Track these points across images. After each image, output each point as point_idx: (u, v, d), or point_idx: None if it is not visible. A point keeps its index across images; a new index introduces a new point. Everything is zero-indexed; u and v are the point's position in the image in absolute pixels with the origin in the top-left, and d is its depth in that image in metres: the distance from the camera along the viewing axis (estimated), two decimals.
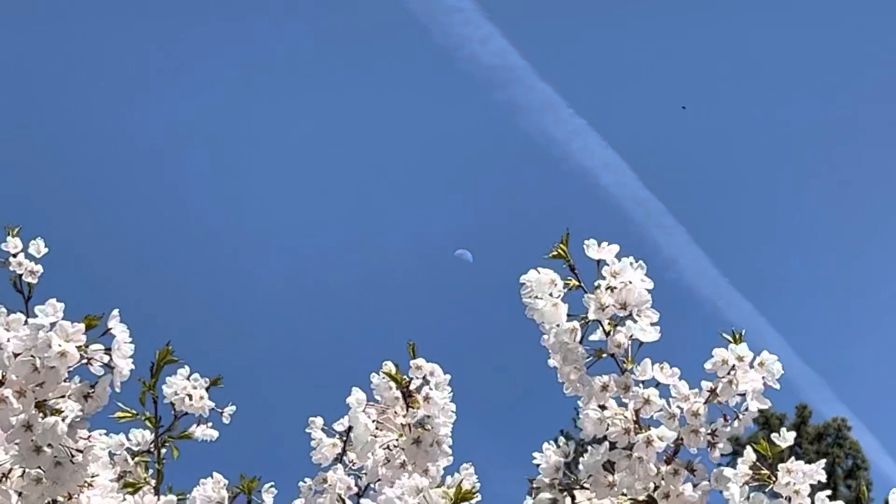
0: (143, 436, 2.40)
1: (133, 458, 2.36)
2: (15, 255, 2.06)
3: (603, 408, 1.94)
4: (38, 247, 2.13)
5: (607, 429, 1.93)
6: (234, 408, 2.59)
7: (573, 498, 1.98)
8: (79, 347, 1.65)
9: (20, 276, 2.10)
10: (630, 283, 1.91)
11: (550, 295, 1.93)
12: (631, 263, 1.91)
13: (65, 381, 1.66)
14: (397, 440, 2.12)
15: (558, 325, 1.93)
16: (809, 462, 2.13)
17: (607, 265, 1.91)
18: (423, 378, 2.16)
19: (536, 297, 1.92)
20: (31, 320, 1.64)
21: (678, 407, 1.94)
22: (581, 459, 1.96)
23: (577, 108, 19.68)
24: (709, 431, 1.95)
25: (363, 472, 2.32)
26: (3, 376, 1.63)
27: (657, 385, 1.93)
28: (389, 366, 2.19)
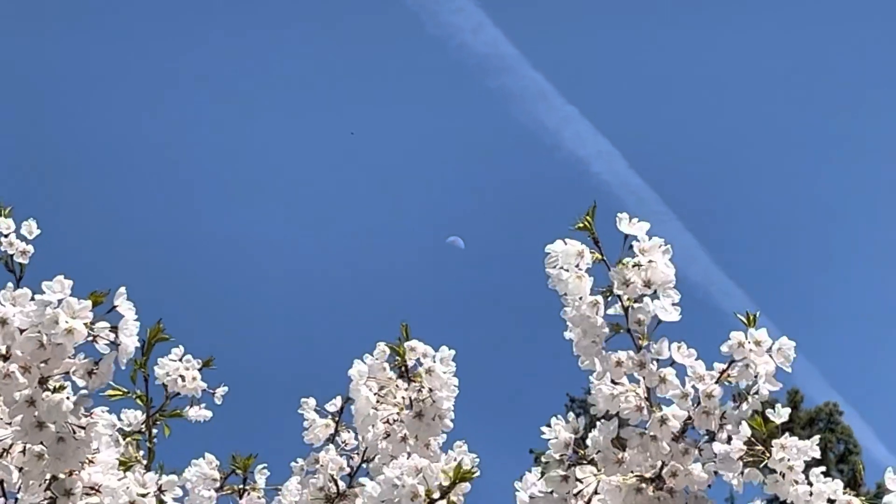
0: (135, 416, 2.43)
1: (125, 438, 2.38)
2: (6, 236, 2.07)
3: (616, 384, 1.97)
4: (31, 228, 2.15)
5: (619, 405, 1.96)
6: (226, 389, 2.61)
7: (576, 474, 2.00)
8: (86, 324, 1.67)
9: (11, 256, 2.11)
10: (655, 261, 1.93)
11: (577, 267, 1.95)
12: (660, 245, 1.94)
13: (70, 357, 1.67)
14: (398, 414, 2.14)
15: (581, 298, 1.95)
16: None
17: (637, 241, 1.94)
18: (417, 360, 2.18)
19: (562, 268, 1.95)
20: (38, 296, 1.66)
21: (693, 387, 1.97)
22: (590, 435, 1.98)
23: (568, 96, 19.61)
24: (721, 413, 1.98)
25: (356, 452, 2.35)
26: (8, 351, 1.64)
27: (672, 364, 1.96)
28: (383, 347, 2.22)
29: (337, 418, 2.39)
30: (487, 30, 18.90)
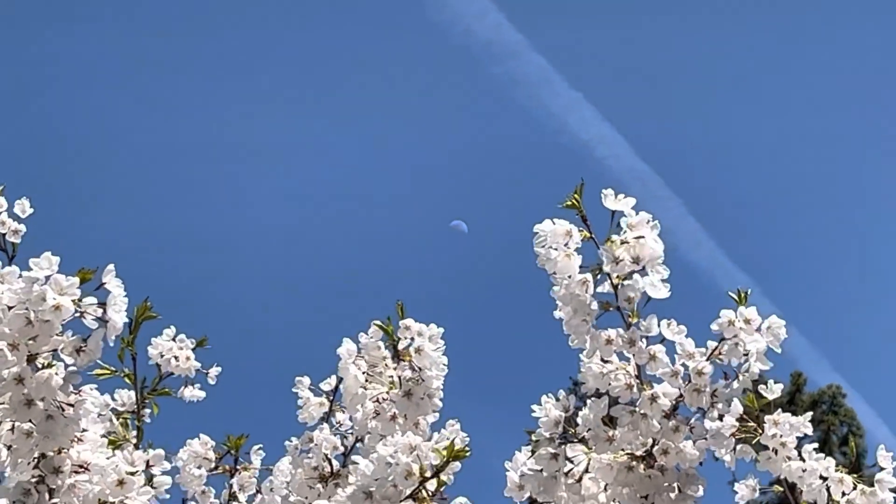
0: (128, 396, 2.43)
1: (118, 418, 2.39)
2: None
3: (606, 362, 1.96)
4: (24, 207, 2.15)
5: (609, 383, 1.96)
6: (219, 369, 2.61)
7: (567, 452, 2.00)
8: (73, 301, 1.67)
9: (3, 235, 2.11)
10: (643, 237, 1.92)
11: (565, 245, 1.94)
12: (647, 221, 1.93)
13: (58, 334, 1.67)
14: (388, 393, 2.14)
15: (570, 277, 1.94)
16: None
17: (624, 217, 1.93)
18: (412, 339, 2.18)
19: (551, 247, 1.94)
20: (25, 273, 1.66)
21: (682, 365, 1.97)
22: (581, 413, 1.98)
23: (572, 81, 19.60)
24: (711, 391, 1.98)
25: (350, 432, 2.35)
26: None
27: (662, 342, 1.96)
28: (376, 326, 2.22)
29: (331, 397, 2.38)
30: (491, 15, 18.85)
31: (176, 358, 2.52)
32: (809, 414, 2.17)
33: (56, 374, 1.67)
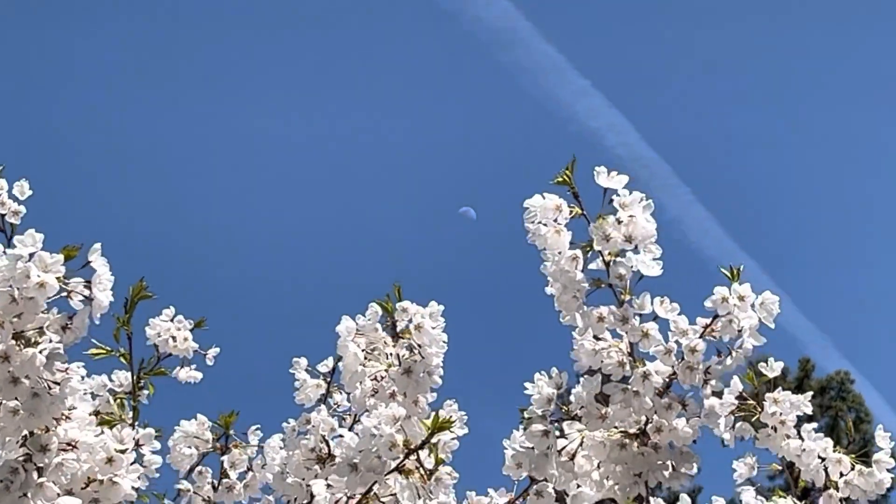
0: (125, 377, 2.43)
1: (114, 398, 2.38)
2: None
3: (598, 339, 1.95)
4: (23, 189, 2.14)
5: (601, 361, 1.95)
6: (217, 350, 2.61)
7: (562, 430, 2.00)
8: (58, 278, 1.65)
9: (3, 216, 2.11)
10: (635, 216, 1.91)
11: (555, 221, 1.93)
12: (640, 200, 1.92)
13: (43, 312, 1.66)
14: (387, 371, 2.12)
15: (560, 253, 1.93)
16: (811, 416, 2.16)
17: (617, 195, 1.92)
18: (409, 320, 2.17)
19: (540, 222, 1.93)
20: (9, 251, 1.65)
21: (675, 342, 1.95)
22: (573, 391, 1.98)
23: (581, 69, 19.67)
24: (704, 368, 1.97)
25: (347, 413, 2.34)
26: None
27: (655, 319, 1.95)
28: (375, 306, 2.20)
29: (329, 379, 2.38)
30: (500, 3, 18.94)
31: (174, 339, 2.52)
32: (810, 393, 2.17)
33: (40, 352, 1.65)
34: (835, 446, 2.18)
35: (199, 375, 2.57)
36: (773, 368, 2.11)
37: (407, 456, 1.85)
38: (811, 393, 2.18)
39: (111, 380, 2.45)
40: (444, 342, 2.15)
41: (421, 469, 1.90)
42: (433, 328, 2.14)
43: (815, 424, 2.18)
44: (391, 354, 2.14)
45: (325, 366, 2.37)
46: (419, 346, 2.13)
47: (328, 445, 2.26)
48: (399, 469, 1.85)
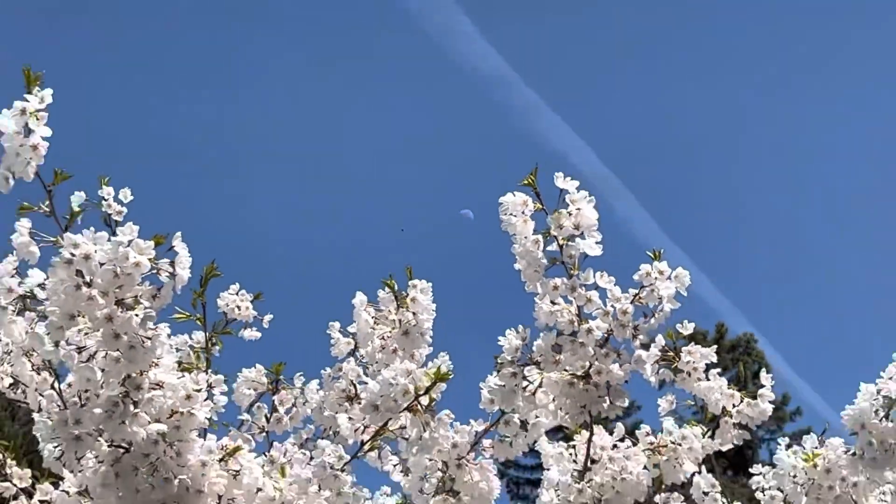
0: (201, 335, 2.43)
1: (193, 352, 2.39)
2: (106, 199, 2.08)
3: (553, 303, 1.96)
4: (126, 194, 2.15)
5: (556, 319, 1.96)
6: (271, 316, 2.61)
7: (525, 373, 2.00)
8: (149, 259, 1.66)
9: (109, 214, 2.12)
10: (582, 209, 1.92)
11: (522, 213, 1.95)
12: (585, 197, 1.93)
13: (138, 285, 1.67)
14: (391, 332, 2.14)
15: (526, 237, 1.94)
16: (725, 367, 2.16)
17: (569, 193, 1.93)
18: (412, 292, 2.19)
19: (511, 214, 1.94)
20: (113, 238, 1.66)
21: (612, 306, 1.96)
22: (535, 342, 1.98)
23: (553, 106, 19.78)
24: (633, 326, 1.97)
25: (370, 364, 2.35)
26: (91, 281, 1.64)
27: (596, 289, 1.96)
28: (388, 283, 2.22)
29: (356, 338, 2.38)
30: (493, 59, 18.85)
31: (238, 307, 2.53)
32: (714, 347, 2.18)
33: (136, 315, 1.66)
34: (740, 389, 2.19)
35: (258, 335, 2.57)
36: (686, 328, 2.12)
37: (415, 399, 1.86)
38: (715, 347, 2.19)
39: (190, 337, 2.45)
40: (433, 310, 2.17)
41: (423, 408, 1.91)
42: (424, 300, 2.16)
43: (718, 370, 2.19)
44: (394, 320, 2.16)
45: (354, 328, 2.37)
46: (414, 313, 2.14)
47: (355, 388, 2.28)
48: (409, 409, 1.86)
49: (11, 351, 2.36)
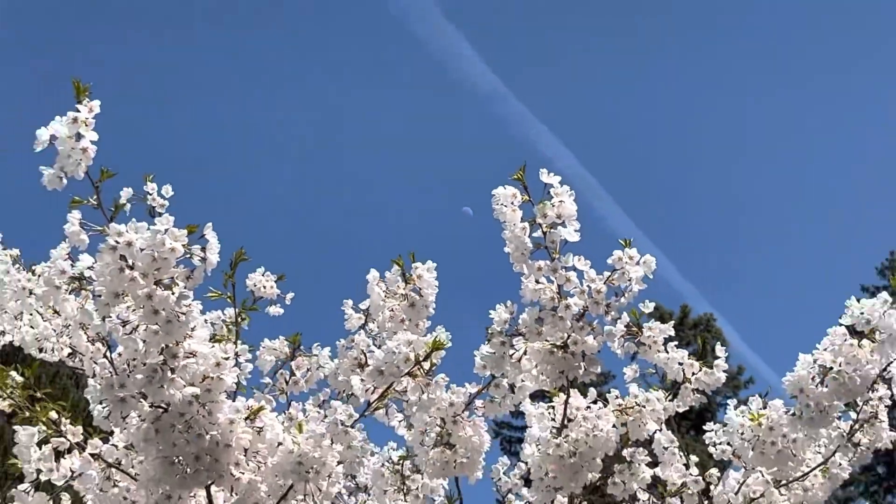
0: (230, 312, 2.42)
1: (224, 325, 2.38)
2: (151, 194, 2.06)
3: (537, 282, 1.95)
4: (167, 190, 2.14)
5: (539, 296, 1.95)
6: (292, 294, 2.60)
7: (513, 342, 1.99)
8: (183, 245, 1.66)
9: (153, 207, 2.10)
10: (563, 201, 1.91)
11: (512, 204, 1.94)
12: (566, 190, 1.92)
13: (174, 267, 1.66)
14: (398, 304, 2.12)
15: (514, 225, 1.93)
16: (688, 342, 2.16)
17: (552, 187, 1.92)
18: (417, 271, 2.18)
19: (502, 204, 1.93)
20: (151, 227, 1.65)
21: (587, 286, 1.95)
22: (521, 316, 1.97)
23: (540, 118, 19.76)
24: (606, 303, 1.96)
25: (377, 337, 2.34)
26: (133, 264, 1.63)
27: (574, 270, 1.94)
28: (397, 262, 2.21)
29: (366, 313, 2.37)
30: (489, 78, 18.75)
31: (264, 287, 2.51)
32: (671, 323, 2.17)
33: (172, 293, 1.65)
34: (700, 360, 2.18)
35: (281, 311, 2.56)
36: (647, 307, 2.11)
37: (415, 366, 1.85)
38: (672, 323, 2.18)
39: (223, 313, 2.45)
40: (436, 286, 2.16)
41: (423, 373, 1.90)
42: (428, 277, 2.14)
43: (677, 343, 2.18)
44: (402, 294, 2.15)
45: (365, 304, 2.36)
46: (420, 288, 2.13)
47: (365, 357, 2.26)
48: (409, 374, 1.85)
49: (70, 325, 2.36)
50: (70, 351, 2.45)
